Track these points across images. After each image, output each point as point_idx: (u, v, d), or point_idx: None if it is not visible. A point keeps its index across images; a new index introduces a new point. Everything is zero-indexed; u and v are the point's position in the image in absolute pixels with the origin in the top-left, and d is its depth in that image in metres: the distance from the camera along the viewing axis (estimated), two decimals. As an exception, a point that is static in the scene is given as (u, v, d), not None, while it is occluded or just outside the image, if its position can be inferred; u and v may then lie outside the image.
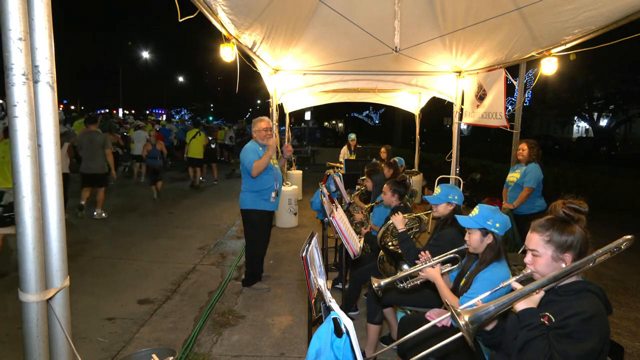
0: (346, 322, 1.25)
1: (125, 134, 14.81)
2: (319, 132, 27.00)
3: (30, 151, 1.43)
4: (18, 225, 1.45)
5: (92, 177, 6.57)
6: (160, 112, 44.86)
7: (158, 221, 6.82)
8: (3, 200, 4.60)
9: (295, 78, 6.34)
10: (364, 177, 4.43)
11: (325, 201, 3.33)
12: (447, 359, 2.02)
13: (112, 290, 4.04)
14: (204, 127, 12.00)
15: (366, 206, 4.13)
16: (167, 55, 41.68)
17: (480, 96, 5.62)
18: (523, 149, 4.47)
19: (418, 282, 2.28)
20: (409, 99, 9.03)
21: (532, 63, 5.10)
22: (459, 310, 1.39)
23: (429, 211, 3.01)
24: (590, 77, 21.88)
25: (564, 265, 1.51)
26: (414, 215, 3.17)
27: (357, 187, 5.13)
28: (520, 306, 1.45)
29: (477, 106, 5.72)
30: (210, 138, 11.17)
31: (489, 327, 1.66)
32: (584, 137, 31.94)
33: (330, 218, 2.72)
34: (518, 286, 1.50)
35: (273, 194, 4.05)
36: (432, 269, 2.24)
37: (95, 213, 6.75)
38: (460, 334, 1.42)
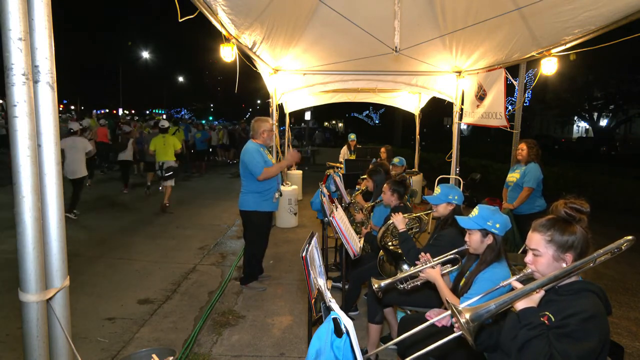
0: (346, 322, 1.25)
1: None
2: (328, 133, 27.39)
3: (30, 151, 1.43)
4: (18, 225, 1.45)
5: (152, 165, 8.43)
6: (160, 112, 44.87)
7: (158, 221, 6.82)
8: (164, 167, 7.37)
9: (295, 78, 6.34)
10: (364, 177, 4.43)
11: (325, 201, 3.32)
12: (446, 358, 2.02)
13: (112, 290, 4.04)
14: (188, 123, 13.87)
15: (367, 205, 4.13)
16: (167, 55, 41.69)
17: (480, 96, 5.62)
18: (522, 149, 4.48)
19: (418, 282, 2.28)
20: (409, 99, 9.03)
21: (532, 63, 5.10)
22: (459, 308, 1.39)
23: (429, 211, 3.01)
24: (590, 77, 21.88)
25: (564, 265, 1.51)
26: (414, 215, 3.17)
27: (357, 187, 5.13)
28: (520, 305, 1.44)
29: (477, 106, 5.72)
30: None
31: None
32: (584, 137, 31.94)
33: (330, 218, 2.72)
34: (518, 285, 1.50)
35: (276, 194, 4.06)
36: (432, 269, 2.23)
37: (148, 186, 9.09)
38: (460, 332, 1.42)
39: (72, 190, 6.68)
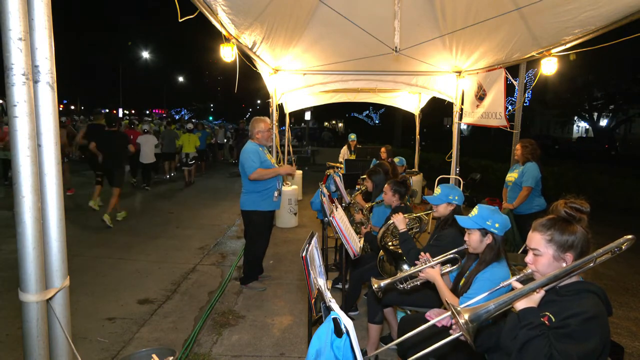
0: (346, 322, 1.25)
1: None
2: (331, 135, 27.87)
3: (30, 151, 1.43)
4: (18, 225, 1.45)
5: (168, 155, 11.28)
6: (156, 112, 44.96)
7: (158, 221, 6.82)
8: (190, 156, 10.69)
9: (295, 78, 6.34)
10: (364, 177, 4.43)
11: (325, 201, 3.32)
12: (446, 358, 2.02)
13: (112, 290, 4.04)
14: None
15: (367, 205, 4.13)
16: (167, 55, 41.73)
17: (480, 96, 5.62)
18: (517, 149, 4.53)
19: (418, 282, 2.28)
20: (409, 99, 9.03)
21: (532, 63, 5.10)
22: (459, 308, 1.39)
23: (429, 211, 3.01)
24: (590, 77, 21.90)
25: (564, 265, 1.51)
26: (415, 215, 3.17)
27: (357, 187, 5.13)
28: (520, 305, 1.44)
29: (477, 106, 5.72)
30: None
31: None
32: (584, 137, 31.96)
33: (330, 218, 2.72)
34: (518, 285, 1.49)
35: (276, 194, 4.06)
36: (432, 269, 2.23)
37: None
38: (460, 333, 1.42)
39: (144, 170, 9.69)
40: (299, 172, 8.92)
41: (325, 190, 3.62)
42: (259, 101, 37.87)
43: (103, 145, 6.42)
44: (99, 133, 6.74)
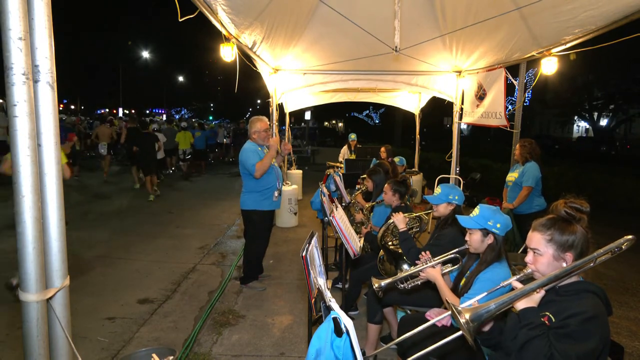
0: (346, 322, 1.25)
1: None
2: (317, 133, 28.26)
3: (30, 151, 1.43)
4: (18, 225, 1.45)
5: (169, 151, 11.90)
6: (160, 112, 44.98)
7: (158, 221, 6.82)
8: (187, 152, 11.83)
9: (295, 78, 6.33)
10: (364, 177, 4.43)
11: (325, 201, 3.32)
12: (447, 358, 2.02)
13: (112, 290, 4.04)
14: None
15: (367, 205, 4.13)
16: (167, 55, 41.74)
17: (480, 96, 5.61)
18: (516, 149, 4.56)
19: (419, 282, 2.28)
20: (409, 99, 9.03)
21: (532, 63, 5.10)
22: (459, 308, 1.39)
23: (429, 211, 3.01)
24: (590, 76, 21.92)
25: (564, 265, 1.51)
26: (415, 214, 3.17)
27: (357, 187, 5.13)
28: (520, 305, 1.44)
29: (477, 106, 5.71)
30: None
31: (486, 328, 1.65)
32: (584, 136, 31.95)
33: (330, 218, 2.72)
34: (519, 285, 1.49)
35: (276, 193, 4.06)
36: (432, 269, 2.23)
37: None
38: (460, 332, 1.42)
39: (157, 164, 9.71)
40: (299, 171, 8.92)
41: (325, 190, 3.62)
42: (259, 101, 37.89)
43: (140, 144, 8.63)
44: (137, 135, 8.88)
